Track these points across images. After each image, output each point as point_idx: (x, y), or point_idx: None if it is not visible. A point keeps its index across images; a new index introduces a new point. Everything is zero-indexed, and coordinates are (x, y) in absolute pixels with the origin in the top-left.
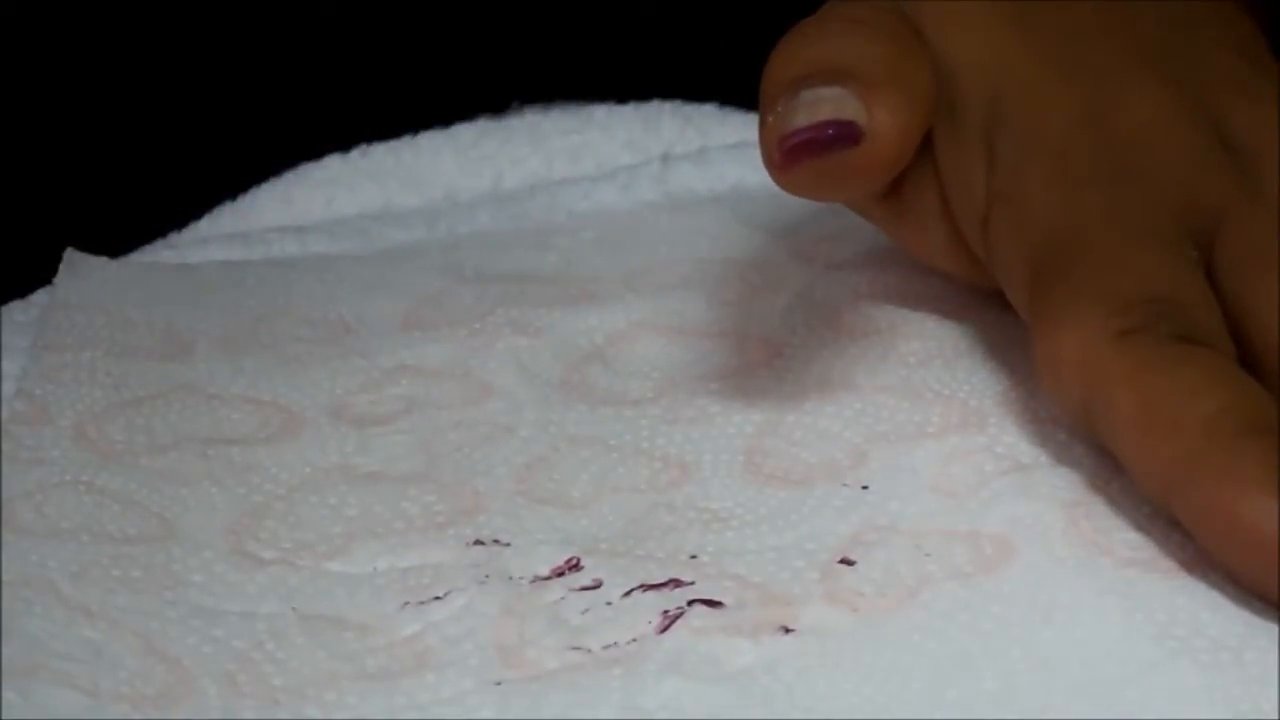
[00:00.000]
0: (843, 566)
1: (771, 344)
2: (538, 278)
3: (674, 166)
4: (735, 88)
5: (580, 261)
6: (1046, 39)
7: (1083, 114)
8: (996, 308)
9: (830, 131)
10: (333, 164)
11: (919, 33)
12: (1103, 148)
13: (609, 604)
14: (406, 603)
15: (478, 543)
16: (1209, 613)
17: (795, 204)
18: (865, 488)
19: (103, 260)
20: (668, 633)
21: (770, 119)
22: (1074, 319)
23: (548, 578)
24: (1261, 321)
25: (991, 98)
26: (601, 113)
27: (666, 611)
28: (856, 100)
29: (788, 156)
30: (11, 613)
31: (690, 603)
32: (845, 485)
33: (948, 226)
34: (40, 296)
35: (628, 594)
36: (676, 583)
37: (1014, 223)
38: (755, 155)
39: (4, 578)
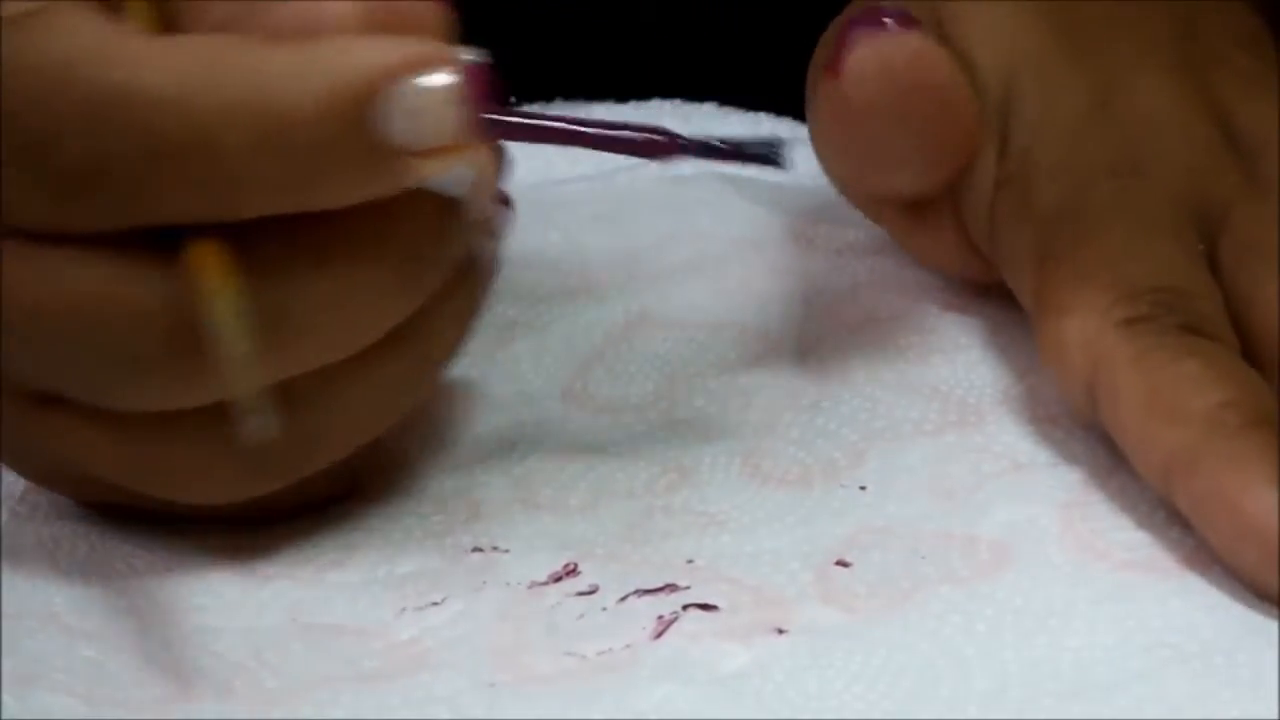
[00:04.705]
0: (838, 569)
1: (770, 336)
2: (539, 262)
3: (673, 167)
4: (735, 88)
5: (582, 240)
6: (1062, 29)
7: (1094, 103)
8: (997, 300)
9: (885, 15)
10: None
11: (940, 24)
12: (1112, 137)
13: (604, 609)
14: (404, 609)
15: (476, 550)
16: (1204, 614)
17: (793, 184)
18: (862, 488)
19: None
20: (661, 638)
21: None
22: (1080, 303)
23: (545, 583)
24: (1264, 314)
25: (1006, 83)
26: (601, 113)
27: (661, 616)
28: None
29: (843, 41)
30: (12, 635)
31: (685, 607)
32: (842, 486)
33: (955, 221)
34: None
35: (623, 599)
36: (672, 587)
37: (1021, 206)
38: None
39: (6, 610)
